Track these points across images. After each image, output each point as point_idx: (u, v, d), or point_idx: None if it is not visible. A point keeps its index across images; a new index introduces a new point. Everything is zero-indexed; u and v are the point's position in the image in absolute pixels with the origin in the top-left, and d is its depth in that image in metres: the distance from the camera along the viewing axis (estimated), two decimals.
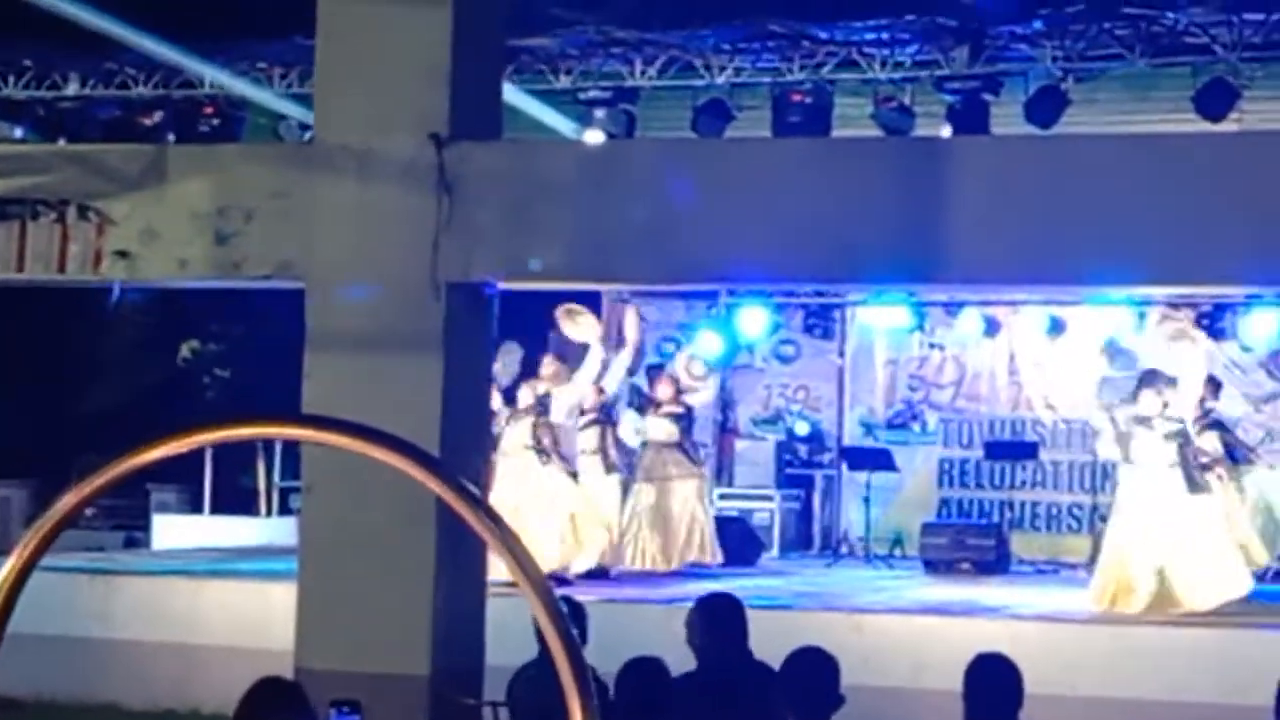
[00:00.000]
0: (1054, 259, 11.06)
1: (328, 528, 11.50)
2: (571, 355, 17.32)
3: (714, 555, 18.01)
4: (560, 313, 16.80)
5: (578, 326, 16.91)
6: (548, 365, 17.04)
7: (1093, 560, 17.62)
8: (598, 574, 16.64)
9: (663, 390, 18.47)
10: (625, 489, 17.65)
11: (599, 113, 17.03)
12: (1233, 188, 10.59)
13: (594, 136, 16.44)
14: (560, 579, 15.53)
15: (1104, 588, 14.82)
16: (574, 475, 17.04)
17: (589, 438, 17.53)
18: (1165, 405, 15.00)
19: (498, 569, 12.43)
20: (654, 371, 19.12)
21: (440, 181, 11.35)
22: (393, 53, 11.56)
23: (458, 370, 11.54)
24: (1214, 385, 17.14)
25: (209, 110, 16.87)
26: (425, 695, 11.08)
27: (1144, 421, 14.89)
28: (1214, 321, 19.62)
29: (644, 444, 18.02)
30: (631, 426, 18.10)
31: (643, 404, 18.51)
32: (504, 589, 11.89)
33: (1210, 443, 16.47)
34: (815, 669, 6.98)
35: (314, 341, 11.60)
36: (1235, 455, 16.94)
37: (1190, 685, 12.58)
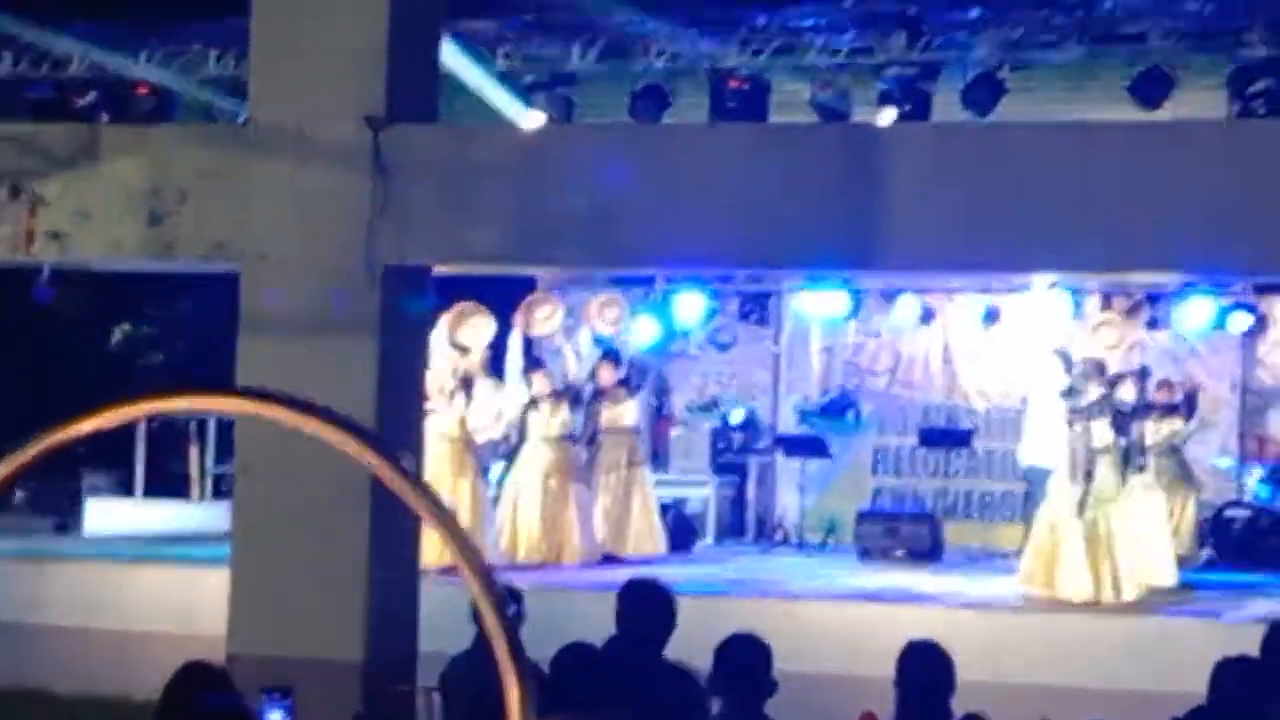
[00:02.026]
0: (991, 245, 11.08)
1: (261, 510, 11.43)
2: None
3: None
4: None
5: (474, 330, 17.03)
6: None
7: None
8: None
9: (605, 374, 18.28)
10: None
11: (537, 96, 16.97)
12: (1168, 176, 10.63)
13: (533, 119, 16.36)
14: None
15: (1036, 570, 14.87)
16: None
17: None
18: (1105, 394, 15.10)
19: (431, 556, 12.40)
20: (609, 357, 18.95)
21: (376, 164, 11.29)
22: (328, 34, 11.49)
23: (393, 354, 11.48)
24: (1143, 375, 17.18)
25: (142, 90, 16.71)
26: (358, 681, 11.02)
27: (1082, 412, 14.96)
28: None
29: (602, 432, 17.93)
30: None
31: (594, 394, 18.19)
32: (439, 575, 11.87)
33: (1153, 430, 16.65)
34: (747, 655, 6.98)
35: (247, 325, 11.52)
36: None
37: (1122, 672, 12.64)
